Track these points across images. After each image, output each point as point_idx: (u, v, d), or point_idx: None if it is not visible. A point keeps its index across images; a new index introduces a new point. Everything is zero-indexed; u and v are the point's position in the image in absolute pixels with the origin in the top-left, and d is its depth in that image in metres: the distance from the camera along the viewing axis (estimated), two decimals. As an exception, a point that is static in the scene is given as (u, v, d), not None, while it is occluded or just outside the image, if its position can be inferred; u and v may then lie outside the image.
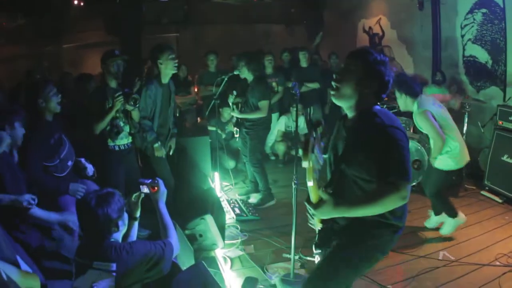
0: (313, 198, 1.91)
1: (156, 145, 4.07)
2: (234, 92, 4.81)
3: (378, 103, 2.14)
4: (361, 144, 2.00)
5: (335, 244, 2.25)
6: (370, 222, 2.07)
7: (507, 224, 4.66)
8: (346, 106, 2.13)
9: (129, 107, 3.78)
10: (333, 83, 2.10)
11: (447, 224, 4.20)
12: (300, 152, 1.83)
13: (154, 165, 4.21)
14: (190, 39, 10.16)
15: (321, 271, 2.27)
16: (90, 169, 3.55)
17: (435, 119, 3.76)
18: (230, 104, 4.88)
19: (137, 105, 3.81)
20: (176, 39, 10.28)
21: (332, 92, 2.11)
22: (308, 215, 2.08)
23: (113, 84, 3.81)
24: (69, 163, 3.30)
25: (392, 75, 2.09)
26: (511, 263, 3.83)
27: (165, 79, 4.10)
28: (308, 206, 1.93)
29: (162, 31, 9.95)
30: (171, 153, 4.41)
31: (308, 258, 3.72)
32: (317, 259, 2.68)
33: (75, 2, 7.60)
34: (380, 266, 3.65)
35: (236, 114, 4.95)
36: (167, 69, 4.04)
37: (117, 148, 3.87)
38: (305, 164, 1.81)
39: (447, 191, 4.41)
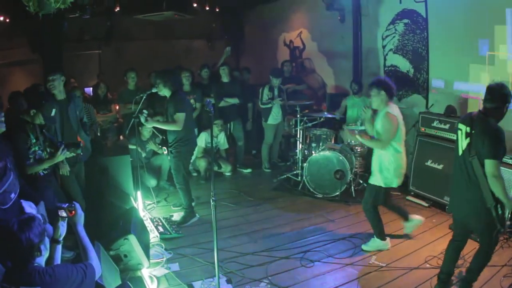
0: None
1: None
2: (145, 111, 4.78)
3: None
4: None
5: None
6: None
7: (435, 227, 4.84)
8: None
9: (69, 155, 3.80)
10: None
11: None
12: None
13: (64, 184, 4.24)
14: (112, 55, 9.99)
15: None
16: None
17: None
18: (143, 121, 4.79)
19: (79, 151, 3.85)
20: (99, 56, 10.07)
21: None
22: None
23: (38, 120, 3.75)
24: (12, 195, 2.86)
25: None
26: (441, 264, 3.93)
27: (60, 96, 4.26)
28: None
29: (85, 48, 9.73)
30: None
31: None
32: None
33: (1, 19, 7.09)
34: (308, 276, 3.86)
35: (149, 124, 4.94)
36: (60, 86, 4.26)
37: (42, 173, 3.81)
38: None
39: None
